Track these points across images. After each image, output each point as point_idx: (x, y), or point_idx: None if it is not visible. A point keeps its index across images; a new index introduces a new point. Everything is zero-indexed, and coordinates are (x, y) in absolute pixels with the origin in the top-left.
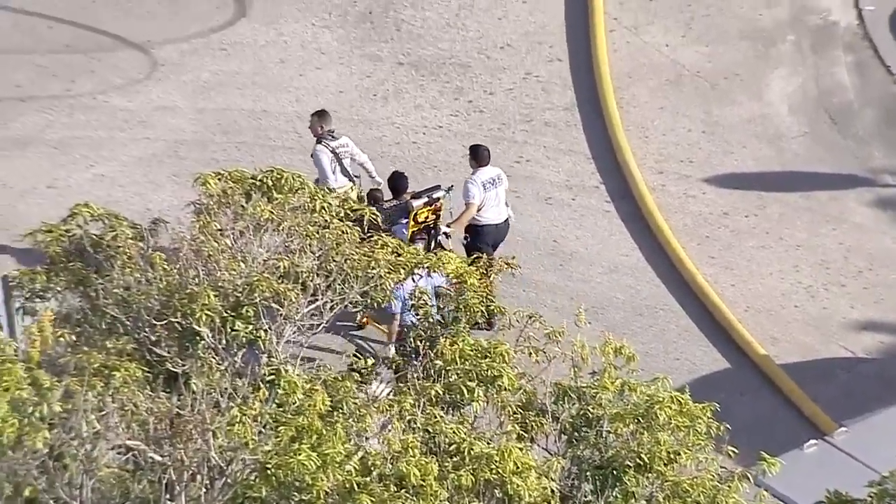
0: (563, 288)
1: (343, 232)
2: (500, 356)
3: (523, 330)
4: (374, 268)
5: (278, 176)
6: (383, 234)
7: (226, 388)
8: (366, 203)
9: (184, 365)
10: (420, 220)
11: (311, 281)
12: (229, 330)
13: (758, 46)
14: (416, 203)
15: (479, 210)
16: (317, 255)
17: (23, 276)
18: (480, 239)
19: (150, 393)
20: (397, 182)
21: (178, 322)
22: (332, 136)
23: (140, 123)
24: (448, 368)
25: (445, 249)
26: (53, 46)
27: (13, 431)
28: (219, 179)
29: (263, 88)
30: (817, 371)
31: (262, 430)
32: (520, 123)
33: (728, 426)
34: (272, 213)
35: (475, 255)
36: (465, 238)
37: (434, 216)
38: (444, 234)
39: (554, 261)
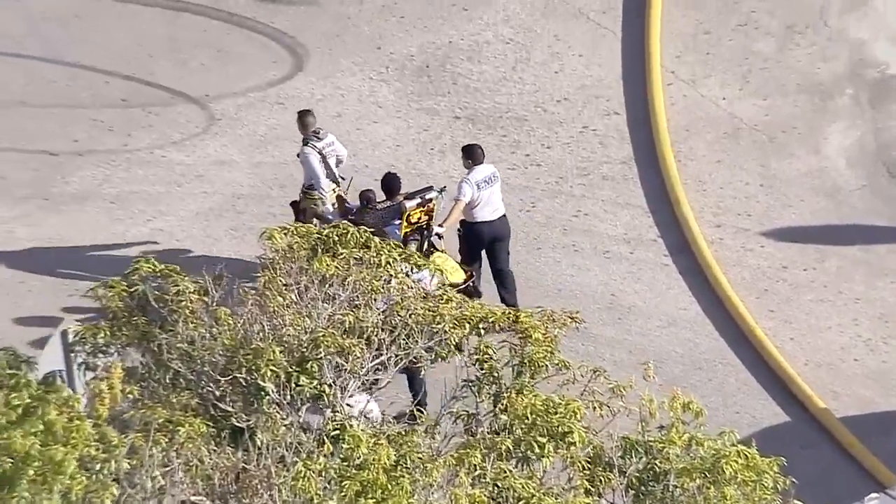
0: (622, 341)
1: (408, 287)
2: (572, 413)
3: (588, 384)
4: (438, 322)
5: (343, 231)
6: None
7: (291, 443)
8: (358, 204)
9: (248, 420)
10: (413, 220)
11: (376, 336)
12: (294, 385)
13: (815, 100)
14: (409, 204)
15: (473, 208)
16: (381, 309)
17: (86, 331)
18: (475, 237)
19: (215, 448)
20: (391, 183)
21: (242, 377)
22: (318, 137)
23: (197, 177)
24: (515, 423)
25: (438, 250)
26: (110, 101)
27: (81, 489)
28: (284, 234)
29: None
30: (877, 424)
31: (327, 485)
32: (577, 177)
33: (794, 480)
34: (337, 268)
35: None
36: (459, 231)
37: (427, 217)
38: (437, 234)
39: (612, 314)
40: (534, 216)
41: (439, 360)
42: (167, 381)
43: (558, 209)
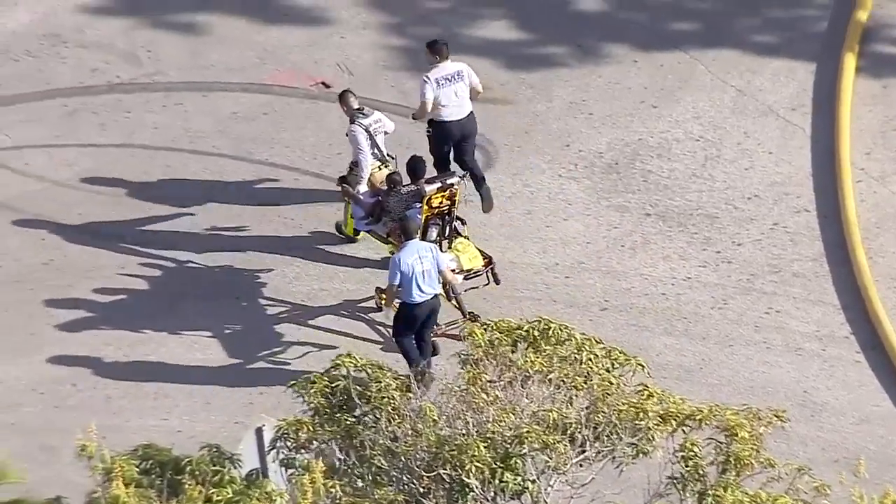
0: (815, 438)
1: (610, 383)
2: None
3: (792, 482)
4: (642, 419)
5: (545, 327)
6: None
7: None
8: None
9: None
10: (434, 205)
11: (579, 432)
12: (498, 481)
13: None
14: (429, 188)
15: (438, 107)
16: (585, 406)
17: (288, 426)
18: (443, 135)
19: None
20: (416, 165)
21: (446, 473)
22: (363, 114)
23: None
24: None
25: (461, 236)
26: (299, 198)
27: None
28: (485, 330)
29: (510, 239)
30: None
31: None
32: (768, 274)
33: None
34: (541, 363)
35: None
36: (428, 131)
37: (449, 202)
38: (460, 220)
39: (805, 411)
40: (726, 314)
41: (641, 455)
42: (370, 477)
43: (750, 306)
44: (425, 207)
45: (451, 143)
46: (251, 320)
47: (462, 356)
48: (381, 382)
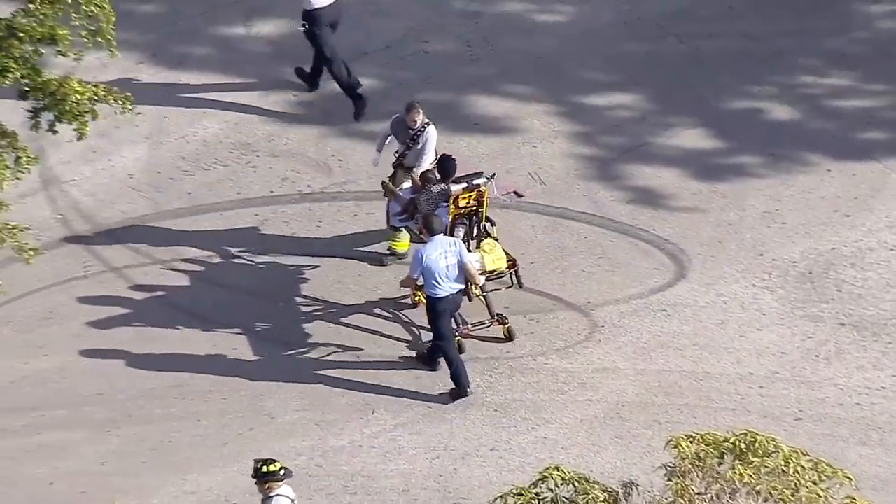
0: None
1: (818, 495)
2: None
3: None
4: None
5: (752, 439)
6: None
7: None
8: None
9: None
10: (460, 205)
11: None
12: None
13: None
14: (455, 188)
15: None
16: None
17: None
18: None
19: None
20: (445, 165)
21: None
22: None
23: (581, 385)
24: None
25: (490, 236)
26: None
27: None
28: (691, 442)
29: (704, 350)
30: None
31: None
32: None
33: None
34: (749, 476)
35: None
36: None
37: (476, 203)
38: (489, 220)
39: None
40: None
41: None
42: None
43: None
44: (452, 207)
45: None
46: None
47: (669, 468)
48: (588, 495)
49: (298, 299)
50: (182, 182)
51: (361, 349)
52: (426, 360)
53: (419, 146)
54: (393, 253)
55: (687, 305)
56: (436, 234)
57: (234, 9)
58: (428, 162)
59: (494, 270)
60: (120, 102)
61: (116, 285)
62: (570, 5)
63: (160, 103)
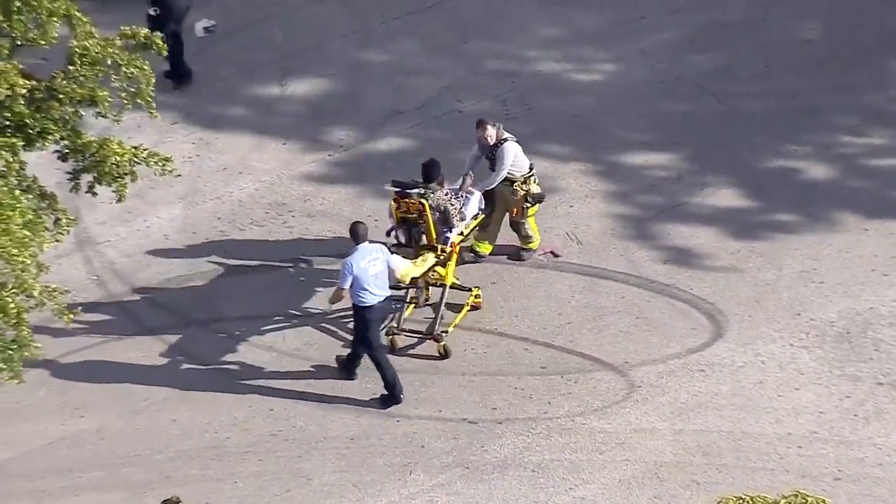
0: None
1: None
2: None
3: None
4: None
5: (802, 501)
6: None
7: None
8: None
9: None
10: (401, 210)
11: None
12: None
13: None
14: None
15: None
16: None
17: None
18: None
19: None
20: (426, 168)
21: None
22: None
23: (618, 445)
24: None
25: (431, 251)
26: (530, 368)
27: None
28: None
29: (742, 409)
30: None
31: None
32: None
33: None
34: None
35: None
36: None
37: (414, 214)
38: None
39: None
40: None
41: None
42: None
43: None
44: (395, 212)
45: None
46: None
47: None
48: None
49: (335, 360)
50: (218, 242)
51: (399, 410)
52: (345, 366)
53: (496, 161)
54: (474, 252)
55: (724, 365)
56: (360, 243)
57: (269, 69)
58: (501, 176)
59: (399, 281)
60: (160, 164)
61: (152, 346)
62: (606, 64)
63: (195, 163)
